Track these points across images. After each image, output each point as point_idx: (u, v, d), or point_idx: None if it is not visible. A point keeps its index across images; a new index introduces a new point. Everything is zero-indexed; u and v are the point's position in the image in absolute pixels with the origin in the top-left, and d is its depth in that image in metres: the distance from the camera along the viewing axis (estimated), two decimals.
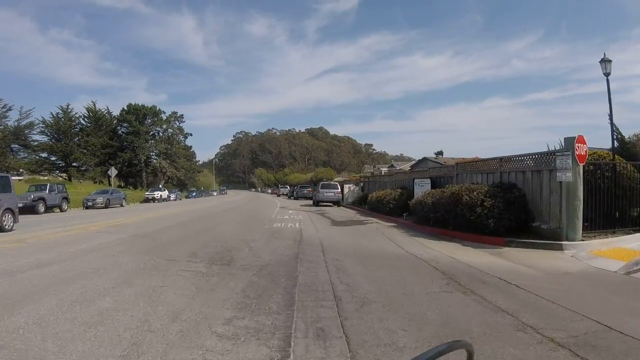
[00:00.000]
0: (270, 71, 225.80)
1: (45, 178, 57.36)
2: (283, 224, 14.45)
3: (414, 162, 70.30)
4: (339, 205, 28.07)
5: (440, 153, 59.17)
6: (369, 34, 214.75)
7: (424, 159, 50.87)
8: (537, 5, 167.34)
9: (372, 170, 32.16)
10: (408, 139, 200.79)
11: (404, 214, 15.90)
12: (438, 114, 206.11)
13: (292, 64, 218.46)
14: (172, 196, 48.67)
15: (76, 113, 64.47)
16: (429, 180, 15.64)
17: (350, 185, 32.14)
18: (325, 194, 27.54)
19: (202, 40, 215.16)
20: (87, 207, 28.28)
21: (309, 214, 20.62)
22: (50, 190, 24.38)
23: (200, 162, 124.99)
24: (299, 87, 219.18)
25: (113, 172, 38.95)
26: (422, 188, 16.11)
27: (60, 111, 62.39)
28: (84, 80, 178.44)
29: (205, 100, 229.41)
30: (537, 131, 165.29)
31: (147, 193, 43.49)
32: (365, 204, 24.29)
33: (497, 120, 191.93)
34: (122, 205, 31.48)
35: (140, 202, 41.19)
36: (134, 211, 24.57)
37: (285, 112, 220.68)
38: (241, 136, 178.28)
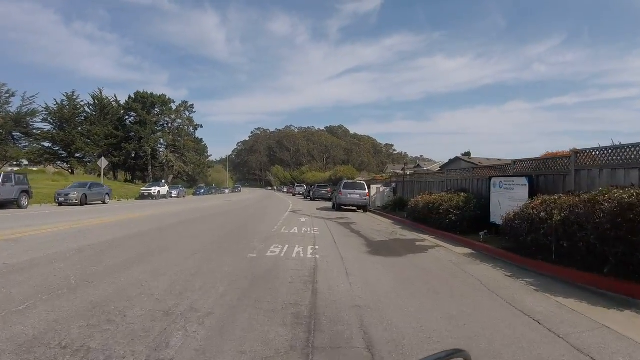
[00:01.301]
0: (292, 69, 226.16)
1: (39, 169, 53.43)
2: (286, 247, 8.66)
3: (439, 163, 64.07)
4: (365, 211, 22.23)
5: (467, 154, 53.86)
6: (391, 34, 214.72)
7: (457, 159, 45.06)
8: (559, 9, 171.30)
9: (404, 168, 26.31)
10: (427, 140, 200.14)
11: (481, 233, 9.96)
12: (458, 116, 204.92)
13: (314, 62, 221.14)
14: (174, 193, 43.56)
15: (82, 101, 60.52)
16: (524, 180, 9.65)
17: (379, 185, 26.25)
18: (349, 195, 21.68)
19: (225, 37, 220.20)
20: (60, 204, 23.23)
21: (328, 223, 14.85)
22: (4, 182, 19.30)
23: (217, 159, 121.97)
24: (319, 85, 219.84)
25: (103, 162, 33.97)
26: (508, 192, 10.20)
27: (65, 98, 58.60)
28: (106, 74, 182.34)
29: (225, 96, 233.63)
30: (557, 136, 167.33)
31: (143, 189, 38.38)
32: (402, 211, 18.44)
33: (517, 124, 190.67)
34: (104, 202, 26.33)
35: (136, 199, 36.26)
36: (107, 211, 19.24)
37: (305, 110, 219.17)
38: (259, 132, 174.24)
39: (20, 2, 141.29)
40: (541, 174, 9.85)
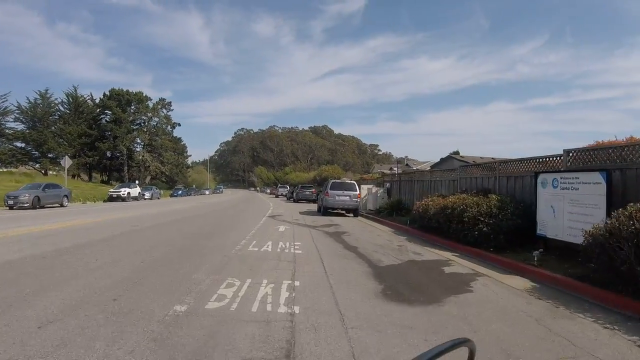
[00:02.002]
0: (276, 71, 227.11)
1: (9, 170, 48.90)
2: (246, 284, 5.31)
3: (428, 162, 61.68)
4: (356, 215, 19.11)
5: (456, 153, 51.89)
6: (375, 35, 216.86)
7: (449, 158, 42.96)
8: (542, 10, 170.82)
9: (397, 166, 23.59)
10: (411, 141, 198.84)
11: (536, 252, 6.86)
12: (442, 117, 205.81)
13: (298, 64, 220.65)
14: (147, 194, 39.78)
15: (56, 99, 56.85)
16: (598, 176, 6.62)
17: (370, 186, 23.12)
18: (337, 197, 18.48)
19: (209, 38, 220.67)
20: (11, 207, 20.24)
21: (314, 234, 11.63)
22: None
23: (200, 160, 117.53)
24: (303, 87, 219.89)
25: (67, 161, 30.01)
26: (568, 194, 7.26)
27: (39, 96, 54.53)
28: (89, 75, 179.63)
29: (210, 98, 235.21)
30: (540, 136, 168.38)
31: (111, 190, 34.55)
32: (402, 216, 15.45)
33: (501, 125, 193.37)
34: (62, 205, 22.75)
35: (105, 201, 32.58)
36: (56, 216, 15.88)
37: (289, 111, 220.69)
38: (242, 133, 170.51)
39: (3, 4, 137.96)
40: (625, 167, 6.79)
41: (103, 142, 54.98)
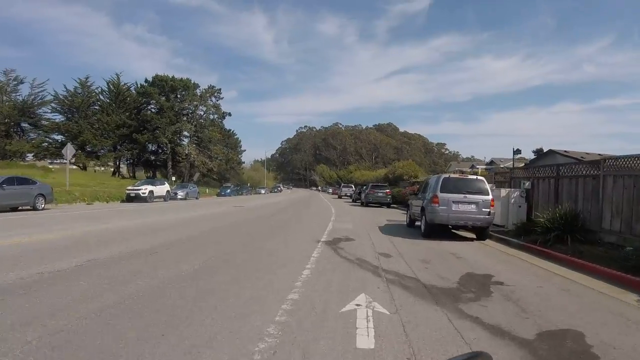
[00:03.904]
0: (340, 70, 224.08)
1: (42, 165, 45.94)
2: None
3: (518, 159, 51.08)
4: (484, 237, 10.70)
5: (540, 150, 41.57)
6: (439, 35, 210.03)
7: (550, 152, 33.77)
8: (609, 9, 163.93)
9: (519, 158, 14.76)
10: (475, 142, 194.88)
11: None
12: (506, 117, 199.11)
13: (362, 63, 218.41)
14: (180, 193, 33.72)
15: (97, 87, 53.00)
16: None
17: (490, 185, 14.25)
18: (456, 206, 10.09)
19: (273, 38, 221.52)
20: None
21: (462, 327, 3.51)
22: None
23: (262, 159, 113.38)
24: (367, 86, 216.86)
25: (69, 151, 24.54)
26: None
27: (79, 85, 51.12)
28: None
29: (274, 97, 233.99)
30: (607, 138, 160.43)
31: (129, 188, 28.35)
32: (586, 243, 6.80)
33: (566, 126, 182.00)
34: (35, 208, 16.50)
35: (123, 201, 26.86)
36: None
37: (353, 111, 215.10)
38: (304, 131, 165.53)
39: (71, 5, 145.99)
40: None
41: (142, 134, 50.12)
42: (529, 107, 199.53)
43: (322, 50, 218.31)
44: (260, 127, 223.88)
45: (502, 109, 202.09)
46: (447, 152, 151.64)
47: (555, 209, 10.22)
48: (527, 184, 12.98)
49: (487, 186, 10.87)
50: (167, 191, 31.17)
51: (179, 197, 33.14)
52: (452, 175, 11.43)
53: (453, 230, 11.95)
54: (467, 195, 10.39)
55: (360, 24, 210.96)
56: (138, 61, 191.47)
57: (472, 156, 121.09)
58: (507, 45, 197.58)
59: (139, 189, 27.56)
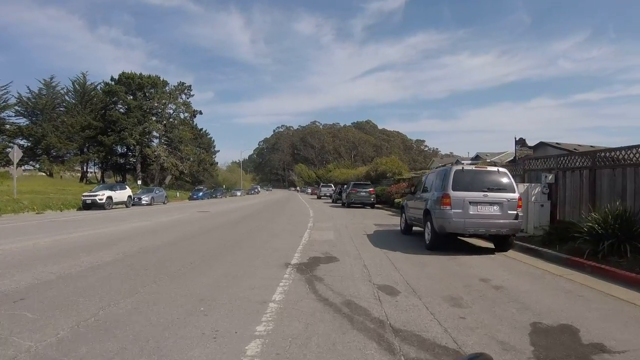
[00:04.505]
0: (317, 70, 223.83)
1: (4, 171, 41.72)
2: None
3: (505, 153, 49.72)
4: (507, 247, 8.12)
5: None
6: (416, 32, 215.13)
7: (541, 144, 31.66)
8: (584, 5, 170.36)
9: (516, 148, 12.57)
10: (453, 138, 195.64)
11: None
12: (483, 113, 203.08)
13: (338, 62, 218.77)
14: (145, 198, 30.37)
15: (63, 88, 49.32)
16: None
17: (522, 184, 11.35)
18: (475, 209, 7.45)
19: (250, 38, 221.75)
20: None
21: None
22: None
23: (240, 160, 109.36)
24: (344, 85, 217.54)
25: (16, 153, 21.14)
26: None
27: (43, 86, 46.91)
28: None
29: (251, 98, 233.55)
30: (583, 132, 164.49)
31: (85, 194, 25.00)
32: None
33: (543, 121, 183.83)
34: None
35: (79, 209, 23.58)
36: None
37: (331, 110, 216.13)
38: (282, 130, 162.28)
39: (45, 8, 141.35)
40: None
41: (108, 136, 46.34)
42: (505, 102, 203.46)
43: (299, 49, 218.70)
44: (238, 128, 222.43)
45: (480, 105, 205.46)
46: (427, 148, 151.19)
47: (604, 208, 7.65)
48: (550, 177, 10.43)
49: (512, 180, 8.21)
50: (129, 196, 28.03)
51: (144, 202, 29.93)
52: (467, 167, 8.68)
53: (467, 235, 9.26)
54: (488, 194, 7.71)
55: (336, 22, 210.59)
56: (113, 64, 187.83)
57: (451, 152, 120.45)
58: (483, 42, 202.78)
59: (95, 195, 24.34)
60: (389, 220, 15.86)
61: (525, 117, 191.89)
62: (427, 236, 8.48)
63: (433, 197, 8.32)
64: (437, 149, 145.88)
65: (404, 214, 11.17)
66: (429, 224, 8.31)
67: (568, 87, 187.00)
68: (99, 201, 23.93)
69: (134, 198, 29.44)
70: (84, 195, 24.70)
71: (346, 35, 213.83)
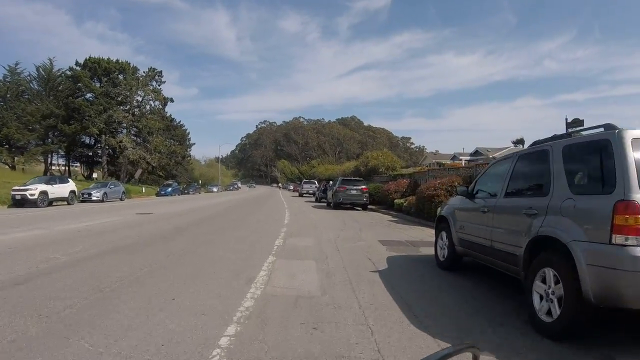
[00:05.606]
0: (302, 67, 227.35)
1: None
2: None
3: (508, 148, 47.01)
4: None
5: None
6: (401, 31, 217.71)
7: (538, 142, 27.03)
8: (570, 6, 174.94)
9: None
10: (439, 137, 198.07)
11: None
12: (469, 112, 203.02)
13: (324, 60, 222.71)
14: (96, 194, 25.58)
15: (29, 75, 44.73)
16: None
17: None
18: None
19: (236, 35, 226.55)
20: None
21: None
22: None
23: (223, 157, 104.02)
24: (330, 83, 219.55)
25: None
26: None
27: (7, 72, 42.17)
28: None
29: (236, 94, 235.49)
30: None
31: (15, 188, 20.30)
32: None
33: (528, 120, 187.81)
34: None
35: (9, 206, 19.70)
36: None
37: (315, 107, 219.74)
38: (265, 126, 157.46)
39: (32, 3, 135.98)
40: None
41: (70, 124, 41.14)
42: (491, 102, 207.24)
43: (285, 47, 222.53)
44: (221, 125, 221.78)
45: (465, 104, 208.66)
46: (413, 146, 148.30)
47: None
48: None
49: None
50: (72, 191, 23.43)
51: (94, 198, 25.52)
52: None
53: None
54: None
55: (322, 21, 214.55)
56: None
57: (437, 151, 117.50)
58: (469, 42, 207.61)
59: (27, 190, 19.88)
60: (398, 232, 11.30)
61: (511, 116, 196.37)
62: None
63: (575, 210, 3.50)
64: (423, 146, 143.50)
65: (444, 232, 6.35)
66: (552, 273, 3.53)
67: (554, 87, 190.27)
68: (29, 197, 19.62)
69: (83, 194, 25.25)
70: (13, 190, 20.20)
71: (332, 34, 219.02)
